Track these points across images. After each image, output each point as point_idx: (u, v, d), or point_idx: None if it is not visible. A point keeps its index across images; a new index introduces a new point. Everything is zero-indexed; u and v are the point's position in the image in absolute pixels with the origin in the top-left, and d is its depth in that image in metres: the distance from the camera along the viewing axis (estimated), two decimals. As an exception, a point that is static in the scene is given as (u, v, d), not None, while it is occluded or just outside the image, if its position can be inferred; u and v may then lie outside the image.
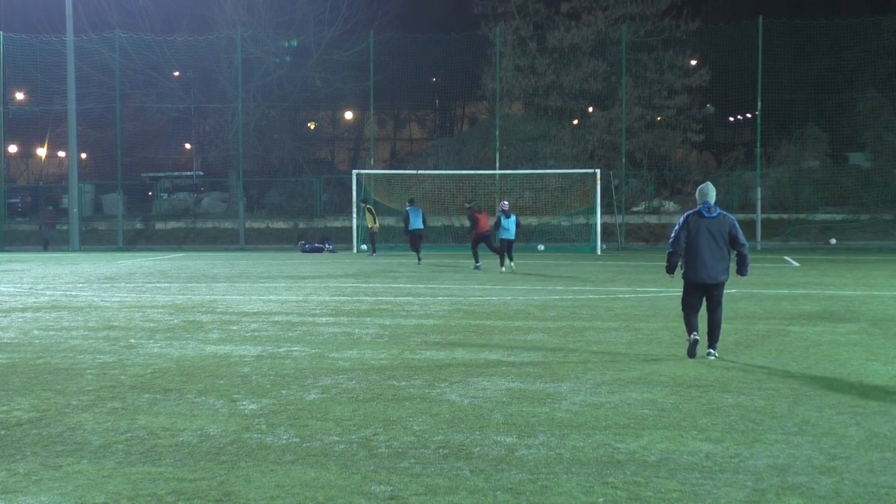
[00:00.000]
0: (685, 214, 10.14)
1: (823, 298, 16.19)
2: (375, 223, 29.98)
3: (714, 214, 9.93)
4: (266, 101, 42.38)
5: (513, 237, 23.12)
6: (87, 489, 5.60)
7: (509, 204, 23.92)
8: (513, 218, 23.13)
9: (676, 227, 10.09)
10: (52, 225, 38.39)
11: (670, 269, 10.26)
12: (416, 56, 42.38)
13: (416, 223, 27.39)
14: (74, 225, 36.39)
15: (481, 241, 24.34)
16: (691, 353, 9.98)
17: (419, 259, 26.55)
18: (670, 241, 10.17)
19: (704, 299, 10.12)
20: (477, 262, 24.10)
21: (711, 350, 10.01)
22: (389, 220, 35.90)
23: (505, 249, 23.10)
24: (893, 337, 11.65)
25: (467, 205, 26.63)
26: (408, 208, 27.98)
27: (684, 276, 10.10)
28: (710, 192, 10.09)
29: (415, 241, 27.38)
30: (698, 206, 10.04)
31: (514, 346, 10.91)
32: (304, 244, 33.82)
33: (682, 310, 10.20)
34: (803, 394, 8.17)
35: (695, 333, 9.98)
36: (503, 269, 22.96)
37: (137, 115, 44.42)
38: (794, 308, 14.72)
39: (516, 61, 40.91)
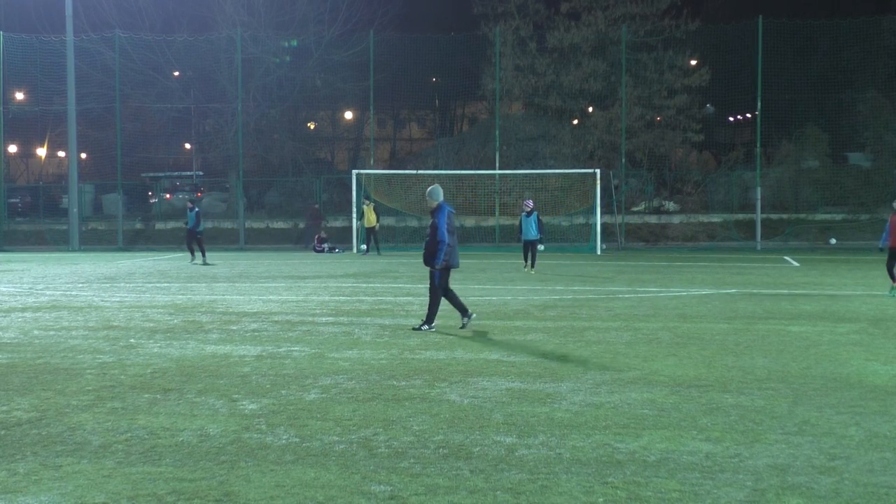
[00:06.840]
0: (445, 213, 11.93)
1: (823, 298, 16.19)
2: (376, 223, 30.22)
3: (453, 209, 12.21)
4: (266, 100, 42.35)
5: (533, 237, 21.92)
6: (87, 489, 5.60)
7: (533, 202, 22.48)
8: (534, 216, 21.83)
9: (442, 222, 11.84)
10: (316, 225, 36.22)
11: (441, 261, 11.94)
12: (416, 56, 42.33)
13: (194, 223, 28.34)
14: (74, 225, 36.37)
15: None
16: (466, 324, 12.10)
17: (193, 258, 27.48)
18: (442, 235, 11.82)
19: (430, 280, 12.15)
20: None
21: (433, 326, 12.13)
22: (389, 220, 35.87)
23: (527, 251, 22.11)
24: (893, 337, 11.65)
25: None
26: (196, 209, 28.41)
27: (448, 263, 12.00)
28: (441, 190, 12.27)
29: (191, 240, 28.09)
30: (442, 205, 11.96)
31: (514, 346, 10.90)
32: (318, 245, 33.15)
33: (446, 294, 12.11)
34: (803, 394, 8.17)
35: (470, 310, 12.27)
36: (526, 269, 22.24)
37: (137, 115, 44.39)
38: (794, 308, 14.71)
39: (516, 61, 40.91)
